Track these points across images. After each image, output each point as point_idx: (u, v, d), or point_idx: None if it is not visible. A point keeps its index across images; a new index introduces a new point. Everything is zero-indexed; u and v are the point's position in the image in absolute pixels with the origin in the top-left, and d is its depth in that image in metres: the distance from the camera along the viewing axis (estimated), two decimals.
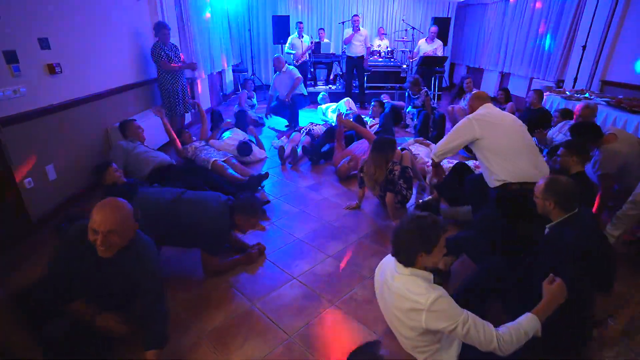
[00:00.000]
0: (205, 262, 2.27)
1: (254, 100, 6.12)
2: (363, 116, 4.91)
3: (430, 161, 3.92)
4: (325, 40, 8.22)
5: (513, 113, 4.99)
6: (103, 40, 3.60)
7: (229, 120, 4.93)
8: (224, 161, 3.86)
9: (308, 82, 7.79)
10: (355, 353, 1.43)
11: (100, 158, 3.55)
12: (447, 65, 8.55)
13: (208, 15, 6.28)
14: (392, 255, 1.54)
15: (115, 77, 3.86)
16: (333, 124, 5.01)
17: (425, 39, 7.32)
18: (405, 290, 1.44)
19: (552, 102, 4.81)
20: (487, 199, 2.45)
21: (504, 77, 7.92)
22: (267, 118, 5.79)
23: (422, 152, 4.12)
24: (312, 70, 8.04)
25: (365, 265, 2.42)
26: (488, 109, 2.47)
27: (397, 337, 1.64)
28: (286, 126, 5.68)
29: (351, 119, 5.27)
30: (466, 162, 3.40)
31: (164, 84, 4.45)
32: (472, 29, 9.16)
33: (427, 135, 4.67)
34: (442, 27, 7.62)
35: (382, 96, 6.37)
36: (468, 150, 4.05)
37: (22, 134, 2.63)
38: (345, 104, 5.95)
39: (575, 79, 5.21)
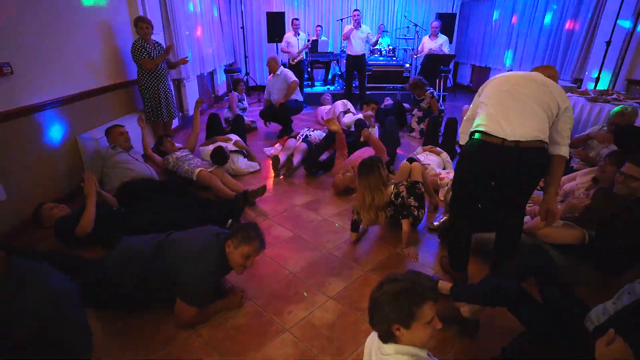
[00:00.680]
0: (180, 312, 1.79)
1: (245, 103, 5.64)
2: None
3: (443, 172, 3.48)
4: (323, 38, 7.75)
5: None
6: (69, 38, 3.12)
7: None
8: (211, 171, 3.40)
9: (305, 83, 7.33)
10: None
11: (68, 171, 3.10)
12: (450, 64, 8.08)
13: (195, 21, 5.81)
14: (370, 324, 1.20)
15: (86, 79, 3.40)
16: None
17: (429, 36, 6.88)
18: None
19: (574, 104, 4.35)
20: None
21: None
22: (268, 125, 5.30)
23: (433, 162, 3.65)
24: (309, 69, 7.58)
25: None
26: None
27: None
28: (280, 131, 5.21)
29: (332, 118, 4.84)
30: None
31: (146, 85, 3.98)
32: (478, 26, 8.69)
33: (437, 141, 4.20)
34: (447, 24, 7.16)
35: (385, 99, 5.89)
36: None
37: None
38: (341, 106, 5.46)
39: (598, 79, 4.76)
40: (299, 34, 6.72)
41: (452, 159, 3.89)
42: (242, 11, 7.93)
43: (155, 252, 1.85)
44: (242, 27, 7.86)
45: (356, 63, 6.35)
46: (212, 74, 7.12)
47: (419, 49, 6.98)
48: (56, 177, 3.02)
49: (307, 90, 7.32)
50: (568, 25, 5.74)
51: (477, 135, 1.83)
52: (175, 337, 1.79)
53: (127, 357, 1.68)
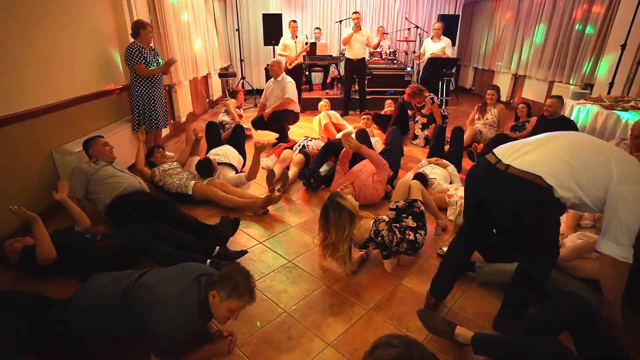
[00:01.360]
0: None
1: (241, 111, 5.38)
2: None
3: (451, 188, 3.20)
4: (322, 40, 7.50)
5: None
6: (44, 43, 2.85)
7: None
8: (207, 183, 3.15)
9: (303, 87, 7.07)
10: None
11: (40, 190, 2.81)
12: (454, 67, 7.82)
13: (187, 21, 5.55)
14: None
15: (64, 87, 3.12)
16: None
17: (431, 38, 6.64)
18: None
19: (588, 112, 4.10)
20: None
21: (518, 80, 7.21)
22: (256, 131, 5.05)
23: (438, 176, 3.38)
24: (307, 73, 7.31)
25: None
26: None
27: None
28: (276, 139, 4.94)
29: (349, 132, 4.57)
30: None
31: (140, 92, 3.73)
32: (481, 27, 8.44)
33: (443, 152, 3.94)
34: (449, 26, 6.91)
35: (386, 103, 5.63)
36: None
37: None
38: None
39: (612, 84, 4.51)
40: (296, 37, 6.46)
41: (459, 171, 3.63)
42: (237, 12, 7.66)
43: (126, 297, 1.58)
44: (238, 30, 7.59)
45: (356, 67, 6.09)
46: (206, 78, 6.85)
47: (421, 52, 6.72)
48: (26, 197, 2.74)
49: (305, 95, 7.05)
50: (578, 27, 5.48)
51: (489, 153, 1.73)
52: None
53: None
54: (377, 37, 7.61)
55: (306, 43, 6.52)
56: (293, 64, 6.37)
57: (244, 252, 2.37)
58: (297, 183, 3.63)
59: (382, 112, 5.46)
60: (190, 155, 3.67)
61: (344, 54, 6.85)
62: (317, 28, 7.68)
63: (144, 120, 3.84)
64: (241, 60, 7.68)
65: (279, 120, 4.73)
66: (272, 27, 6.83)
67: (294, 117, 4.94)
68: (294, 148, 4.05)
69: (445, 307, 2.04)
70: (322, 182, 3.52)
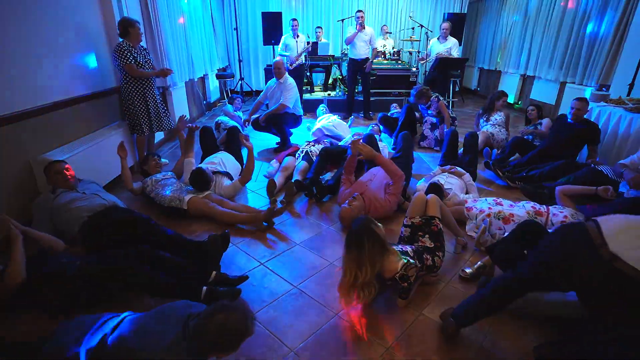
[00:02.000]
0: None
1: (240, 113, 5.10)
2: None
3: (469, 199, 2.94)
4: (323, 40, 7.24)
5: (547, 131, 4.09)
6: (18, 43, 2.57)
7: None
8: (204, 197, 2.88)
9: (304, 88, 6.81)
10: None
11: (17, 204, 2.54)
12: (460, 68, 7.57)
13: (182, 20, 5.27)
14: None
15: (46, 90, 2.85)
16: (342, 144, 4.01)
17: (437, 38, 6.39)
18: None
19: (609, 115, 3.85)
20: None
21: (527, 80, 6.96)
22: (245, 126, 4.80)
23: (454, 186, 3.12)
24: (308, 74, 7.05)
25: None
26: None
27: None
28: (277, 144, 4.68)
29: (359, 139, 4.31)
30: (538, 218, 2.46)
31: (130, 93, 3.47)
32: (487, 26, 8.20)
33: (456, 158, 3.68)
34: (456, 25, 6.66)
35: (392, 106, 5.37)
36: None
37: None
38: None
39: (632, 85, 4.26)
40: (298, 36, 6.20)
41: (474, 179, 3.37)
42: (235, 11, 7.38)
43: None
44: (236, 29, 7.32)
45: (359, 67, 5.83)
46: (202, 79, 6.58)
47: (426, 53, 6.47)
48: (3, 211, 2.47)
49: (307, 97, 6.79)
50: (592, 27, 5.23)
51: (590, 222, 1.35)
52: None
53: None
54: (381, 37, 7.38)
55: (308, 42, 6.27)
56: (294, 65, 6.11)
57: (243, 278, 2.10)
58: (301, 193, 3.36)
59: (390, 114, 5.20)
60: (184, 155, 3.31)
61: (346, 54, 6.60)
62: (318, 27, 7.41)
63: (134, 123, 3.58)
64: (239, 61, 7.41)
65: (278, 124, 4.46)
66: (272, 26, 6.57)
67: (295, 120, 4.68)
68: (296, 155, 3.78)
69: (474, 343, 1.78)
70: (328, 192, 3.25)
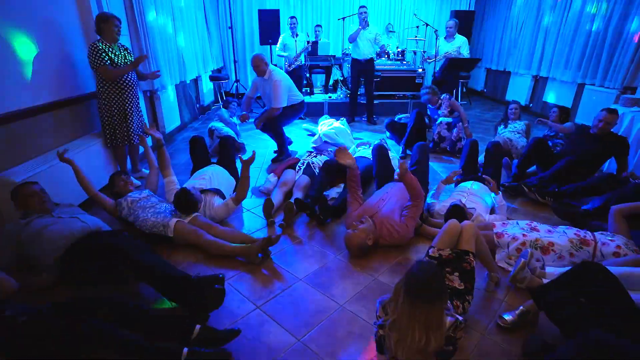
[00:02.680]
0: None
1: (235, 119, 4.70)
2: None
3: (497, 222, 2.54)
4: (323, 39, 6.85)
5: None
6: None
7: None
8: (191, 221, 2.48)
9: (303, 90, 6.41)
10: None
11: None
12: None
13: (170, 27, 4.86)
14: None
15: (14, 95, 2.49)
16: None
17: (444, 37, 6.03)
18: None
19: None
20: None
21: (539, 82, 6.58)
22: (242, 121, 4.16)
23: (478, 206, 2.73)
24: (307, 75, 6.66)
25: None
26: None
27: None
28: (275, 152, 4.27)
29: (367, 147, 3.91)
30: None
31: (107, 99, 3.08)
32: (495, 24, 7.81)
33: (476, 171, 3.29)
34: (464, 23, 6.28)
35: (397, 117, 4.95)
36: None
37: None
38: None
39: None
40: (297, 35, 5.80)
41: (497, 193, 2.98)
42: (230, 8, 6.97)
43: None
44: (230, 27, 6.90)
45: (363, 69, 5.43)
46: (195, 81, 6.16)
47: (436, 52, 6.08)
48: None
49: (306, 99, 6.38)
50: (615, 26, 4.84)
51: None
52: None
53: None
54: (385, 35, 7.01)
55: (307, 42, 5.88)
56: (293, 66, 5.72)
57: (235, 333, 1.70)
58: (302, 213, 2.96)
59: (396, 119, 4.80)
60: (153, 169, 2.95)
61: (347, 54, 6.21)
62: (317, 25, 7.02)
63: (110, 132, 3.18)
64: (235, 62, 6.99)
65: (274, 128, 4.02)
66: (269, 24, 6.17)
67: (295, 111, 4.17)
68: (297, 168, 3.38)
69: None
70: (330, 214, 2.84)
